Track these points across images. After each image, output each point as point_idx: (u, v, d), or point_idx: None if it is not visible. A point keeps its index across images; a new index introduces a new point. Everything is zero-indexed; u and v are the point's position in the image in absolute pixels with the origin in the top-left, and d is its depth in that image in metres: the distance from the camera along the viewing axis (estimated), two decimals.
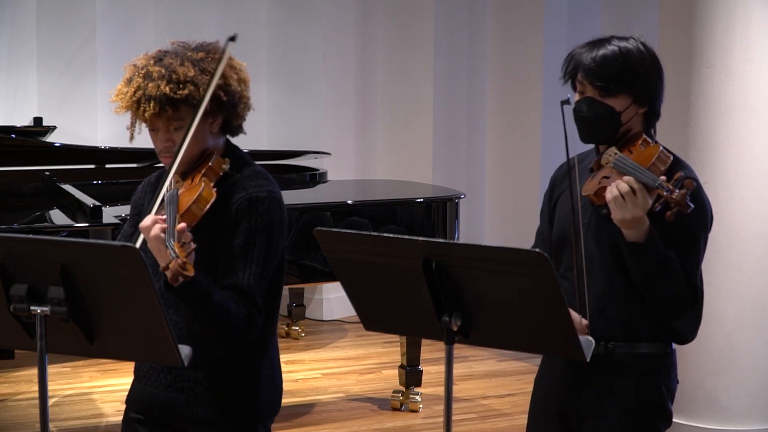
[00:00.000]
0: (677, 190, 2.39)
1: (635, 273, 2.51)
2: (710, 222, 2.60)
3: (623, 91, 2.56)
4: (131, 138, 2.61)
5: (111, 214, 4.45)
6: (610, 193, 2.45)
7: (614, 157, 2.50)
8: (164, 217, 2.39)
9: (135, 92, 2.52)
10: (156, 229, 2.36)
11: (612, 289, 2.59)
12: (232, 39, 2.48)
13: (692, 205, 2.39)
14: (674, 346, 2.65)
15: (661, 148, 2.52)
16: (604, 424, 2.62)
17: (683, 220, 2.47)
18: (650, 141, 2.57)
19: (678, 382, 2.70)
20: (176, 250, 2.29)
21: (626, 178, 2.45)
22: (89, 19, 6.91)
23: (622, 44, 2.59)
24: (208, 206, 2.47)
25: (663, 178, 2.43)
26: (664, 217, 2.42)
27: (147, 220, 2.40)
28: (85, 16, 6.91)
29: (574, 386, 2.64)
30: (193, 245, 2.34)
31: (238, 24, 7.24)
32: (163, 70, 2.52)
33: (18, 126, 5.95)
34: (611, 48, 2.58)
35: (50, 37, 6.87)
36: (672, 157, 2.52)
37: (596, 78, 2.56)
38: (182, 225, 2.37)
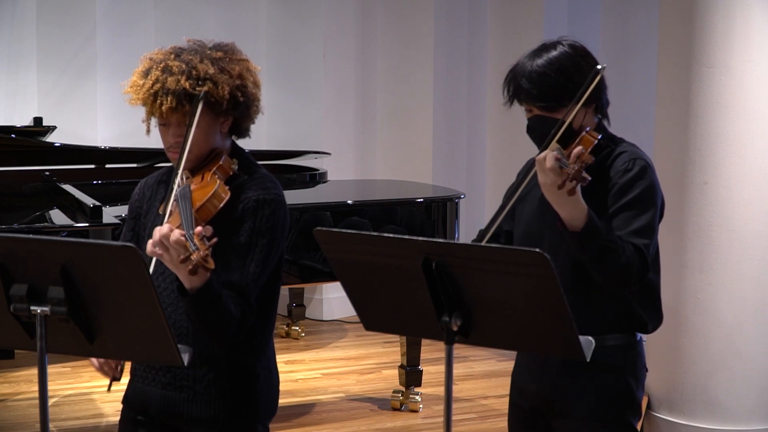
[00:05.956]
0: (574, 165, 2.39)
1: (581, 258, 2.53)
2: (660, 200, 2.61)
3: (566, 103, 2.59)
4: (147, 131, 2.61)
5: (111, 214, 4.45)
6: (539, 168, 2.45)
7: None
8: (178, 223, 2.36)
9: (153, 85, 2.51)
10: (176, 234, 2.29)
11: (576, 284, 2.59)
12: None
13: (589, 177, 2.39)
14: (639, 336, 2.68)
15: (585, 132, 2.55)
16: (575, 418, 2.65)
17: (628, 191, 2.53)
18: (583, 131, 2.58)
19: (647, 370, 2.73)
20: (197, 243, 2.27)
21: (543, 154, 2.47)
22: (89, 19, 6.92)
23: (551, 55, 2.62)
24: (222, 204, 2.47)
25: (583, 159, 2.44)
26: (568, 192, 2.41)
27: (164, 228, 2.32)
28: (85, 16, 6.91)
29: (545, 381, 2.68)
30: (215, 239, 2.31)
31: (238, 24, 7.25)
32: (183, 65, 2.52)
33: (18, 126, 5.95)
34: (541, 63, 2.61)
35: (50, 37, 6.87)
36: (598, 139, 2.54)
37: (537, 100, 2.61)
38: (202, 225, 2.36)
